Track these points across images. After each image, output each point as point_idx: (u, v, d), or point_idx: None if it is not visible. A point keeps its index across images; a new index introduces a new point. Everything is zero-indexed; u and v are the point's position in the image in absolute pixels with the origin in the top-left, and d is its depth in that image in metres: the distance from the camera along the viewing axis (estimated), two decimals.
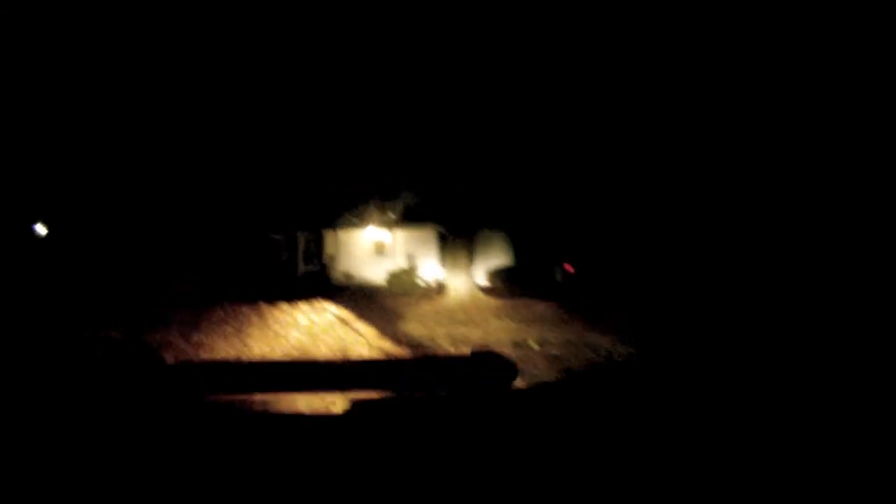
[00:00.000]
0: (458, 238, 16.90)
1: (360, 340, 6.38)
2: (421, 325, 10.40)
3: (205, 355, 5.02)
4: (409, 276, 21.41)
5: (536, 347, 9.44)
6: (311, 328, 6.31)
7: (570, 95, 14.54)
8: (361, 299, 15.84)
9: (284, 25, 14.00)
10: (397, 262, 23.03)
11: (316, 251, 23.93)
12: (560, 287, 18.79)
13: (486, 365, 2.21)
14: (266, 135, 17.46)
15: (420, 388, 2.01)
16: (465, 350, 7.84)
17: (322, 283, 20.38)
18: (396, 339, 7.89)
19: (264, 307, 6.98)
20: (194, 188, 17.20)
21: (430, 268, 23.04)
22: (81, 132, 15.50)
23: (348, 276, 23.00)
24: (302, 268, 23.39)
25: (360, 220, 22.92)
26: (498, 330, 10.93)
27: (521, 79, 14.27)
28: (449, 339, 9.07)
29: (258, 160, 17.84)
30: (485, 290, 17.71)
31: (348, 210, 23.03)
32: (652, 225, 18.37)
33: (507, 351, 8.37)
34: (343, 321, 7.08)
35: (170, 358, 4.89)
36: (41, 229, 18.52)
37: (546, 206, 20.38)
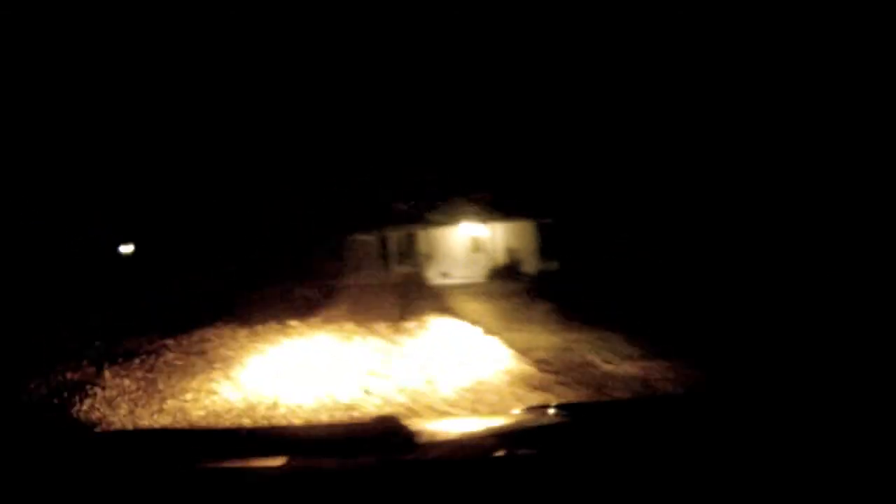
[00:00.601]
0: (563, 228, 14.89)
1: (494, 370, 4.58)
2: (549, 332, 8.39)
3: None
4: (511, 273, 19.65)
5: None
6: (427, 353, 4.59)
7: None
8: (468, 303, 14.15)
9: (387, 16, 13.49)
10: (496, 258, 21.32)
11: (409, 251, 22.76)
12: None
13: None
14: (349, 130, 16.56)
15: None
16: (632, 370, 5.75)
17: (418, 285, 19.10)
18: (534, 357, 5.95)
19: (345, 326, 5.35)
20: (272, 187, 16.54)
21: (534, 262, 21.09)
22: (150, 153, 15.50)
23: (445, 276, 21.58)
24: (396, 269, 22.27)
25: (453, 215, 21.48)
26: None
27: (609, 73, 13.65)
28: (592, 350, 6.96)
29: (342, 156, 16.90)
30: (600, 282, 15.46)
31: (440, 206, 21.68)
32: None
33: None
34: (466, 341, 5.30)
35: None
36: (127, 248, 19.18)
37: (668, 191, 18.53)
